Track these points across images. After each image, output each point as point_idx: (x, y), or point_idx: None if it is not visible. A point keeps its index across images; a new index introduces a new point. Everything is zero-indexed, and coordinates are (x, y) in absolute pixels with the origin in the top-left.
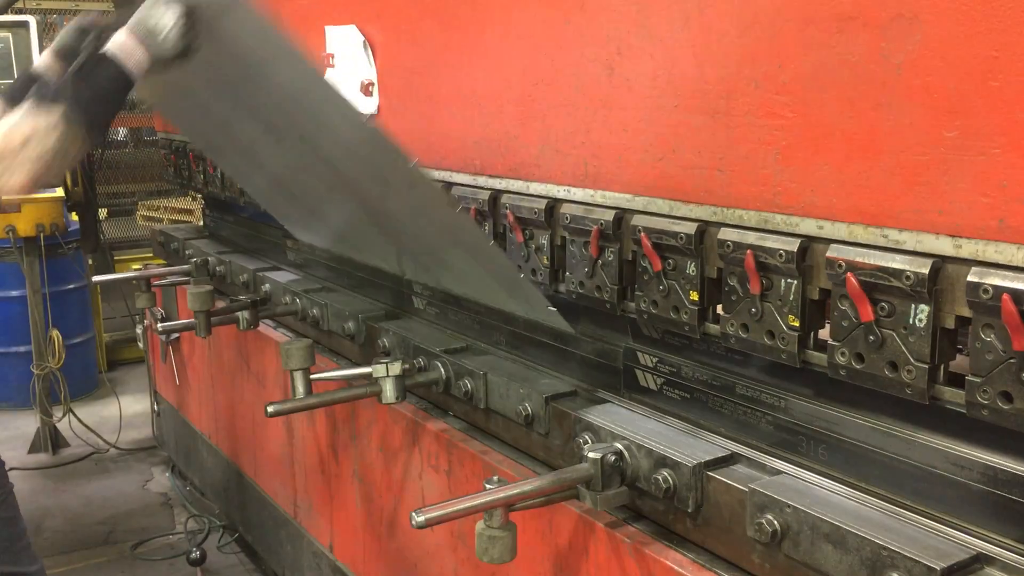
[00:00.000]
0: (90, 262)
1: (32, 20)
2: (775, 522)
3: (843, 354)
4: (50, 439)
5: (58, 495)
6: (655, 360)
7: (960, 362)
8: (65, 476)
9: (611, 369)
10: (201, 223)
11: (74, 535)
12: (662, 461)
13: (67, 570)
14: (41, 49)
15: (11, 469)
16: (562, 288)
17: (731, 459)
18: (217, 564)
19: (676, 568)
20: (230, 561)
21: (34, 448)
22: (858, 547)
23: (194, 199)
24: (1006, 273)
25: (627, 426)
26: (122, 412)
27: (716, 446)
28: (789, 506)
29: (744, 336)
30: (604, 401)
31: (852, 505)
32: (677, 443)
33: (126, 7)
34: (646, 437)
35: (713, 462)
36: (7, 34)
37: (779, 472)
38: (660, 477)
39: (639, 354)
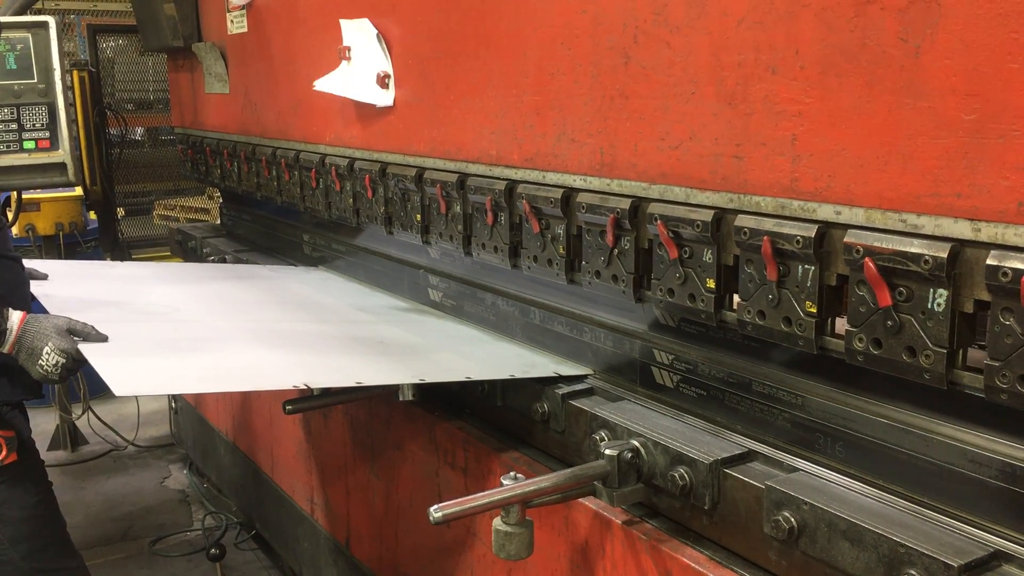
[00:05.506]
0: (108, 260)
1: (52, 20)
2: (792, 519)
3: (860, 340)
4: (69, 436)
5: (77, 492)
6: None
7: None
8: (84, 473)
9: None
10: (218, 221)
11: (93, 531)
12: (679, 458)
13: None
14: (60, 49)
15: None
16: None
17: (748, 456)
18: (234, 561)
19: (693, 565)
20: (247, 558)
21: (53, 445)
22: (875, 544)
23: (211, 198)
24: None
25: (643, 423)
26: (140, 410)
27: (733, 443)
28: (806, 503)
29: (761, 323)
30: (620, 398)
31: (869, 502)
32: (694, 440)
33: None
34: (662, 434)
35: (730, 459)
36: (27, 34)
37: (796, 469)
38: (677, 474)
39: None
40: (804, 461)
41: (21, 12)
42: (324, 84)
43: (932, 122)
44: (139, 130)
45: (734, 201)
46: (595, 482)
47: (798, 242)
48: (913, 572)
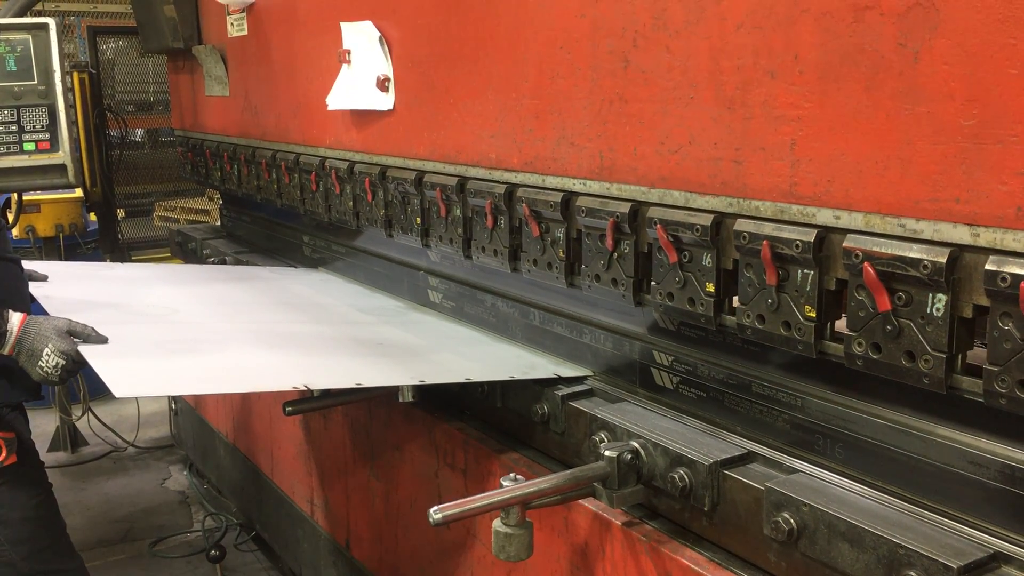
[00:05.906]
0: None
1: (52, 22)
2: (791, 520)
3: (860, 344)
4: (69, 438)
5: (77, 493)
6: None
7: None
8: (84, 474)
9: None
10: (218, 223)
11: (93, 533)
12: (678, 459)
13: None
14: (60, 51)
15: None
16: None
17: (747, 458)
18: (234, 562)
19: (692, 566)
20: (247, 559)
21: (53, 447)
22: (875, 545)
23: (211, 199)
24: None
25: (643, 424)
26: (140, 411)
27: (732, 444)
28: (805, 504)
29: (760, 327)
30: (620, 400)
31: (868, 503)
32: (693, 442)
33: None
34: (662, 435)
35: (729, 461)
36: (27, 36)
37: (795, 471)
38: (676, 475)
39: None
40: (803, 462)
41: (21, 13)
42: (334, 101)
43: (931, 127)
44: (139, 131)
45: (733, 205)
46: (595, 483)
47: (797, 246)
48: (912, 573)
